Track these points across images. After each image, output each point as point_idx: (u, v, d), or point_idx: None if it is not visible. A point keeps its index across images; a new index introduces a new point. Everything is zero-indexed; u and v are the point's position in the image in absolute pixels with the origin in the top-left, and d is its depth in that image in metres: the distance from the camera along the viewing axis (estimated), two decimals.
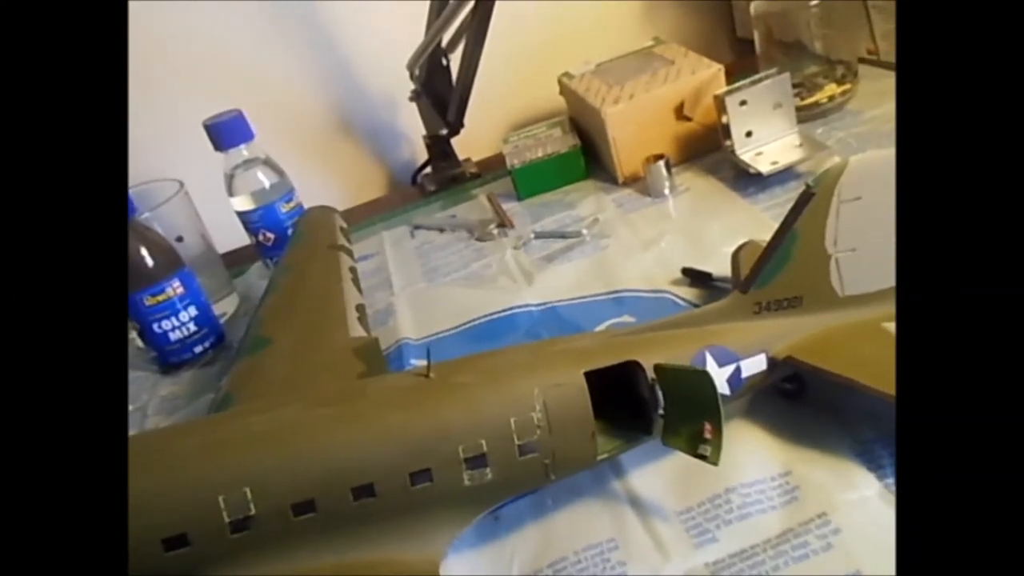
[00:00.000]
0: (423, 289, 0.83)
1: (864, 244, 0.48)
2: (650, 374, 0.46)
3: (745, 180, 0.81)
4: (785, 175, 0.79)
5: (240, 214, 0.91)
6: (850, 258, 0.48)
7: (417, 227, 0.98)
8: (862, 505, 0.43)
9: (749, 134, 0.80)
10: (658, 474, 0.50)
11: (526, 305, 0.74)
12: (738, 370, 0.48)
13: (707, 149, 0.88)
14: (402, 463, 0.42)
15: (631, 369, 0.47)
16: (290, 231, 0.89)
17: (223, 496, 0.40)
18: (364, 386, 0.51)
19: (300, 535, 0.41)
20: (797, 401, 0.51)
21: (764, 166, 0.77)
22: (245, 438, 0.43)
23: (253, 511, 0.40)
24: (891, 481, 0.44)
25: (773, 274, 0.49)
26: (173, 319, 0.75)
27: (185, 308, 0.76)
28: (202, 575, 0.40)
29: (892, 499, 0.43)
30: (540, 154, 0.95)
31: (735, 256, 0.61)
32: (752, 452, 0.49)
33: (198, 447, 0.43)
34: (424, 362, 0.46)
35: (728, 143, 0.81)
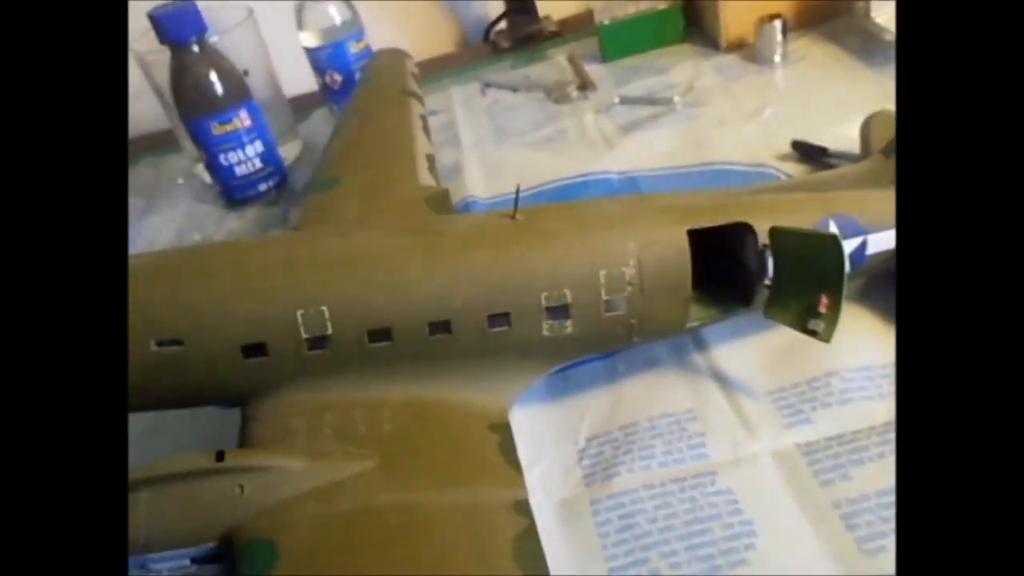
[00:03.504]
0: (493, 149, 0.78)
1: None
2: (762, 239, 0.41)
3: (873, 51, 0.71)
4: None
5: (308, 51, 0.86)
6: None
7: (488, 85, 0.92)
8: None
9: None
10: (746, 350, 0.47)
11: (605, 172, 0.68)
12: (863, 245, 0.43)
13: (831, 14, 0.77)
14: (481, 304, 0.40)
15: (737, 232, 0.42)
16: (358, 75, 0.84)
17: (302, 311, 0.38)
18: (447, 221, 0.48)
19: (373, 362, 0.40)
20: None
21: None
22: (326, 258, 0.41)
23: (330, 331, 0.38)
24: None
25: None
26: (239, 152, 0.73)
27: (251, 142, 0.73)
28: (275, 389, 0.39)
29: None
30: (633, 10, 0.85)
31: (865, 125, 0.54)
32: (862, 338, 0.44)
33: (280, 261, 0.41)
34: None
35: (862, 3, 0.70)
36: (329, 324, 0.38)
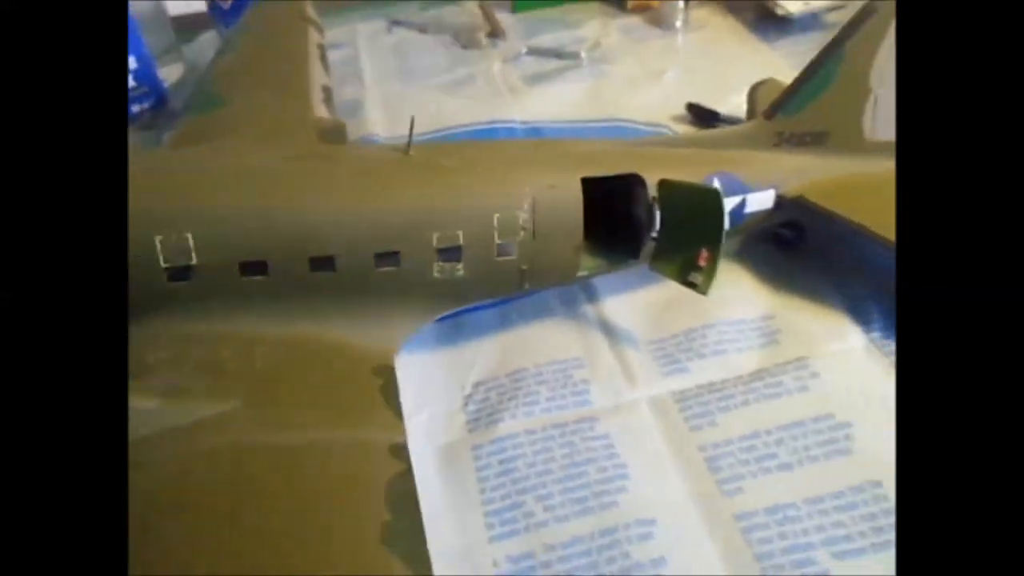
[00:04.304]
0: (397, 88, 0.74)
1: None
2: (652, 191, 0.41)
3: (767, 24, 0.72)
4: (811, 23, 0.70)
5: None
6: (891, 98, 0.42)
7: (395, 23, 0.86)
8: (845, 356, 0.40)
9: None
10: (633, 303, 0.46)
11: (510, 121, 0.66)
12: (743, 203, 0.43)
13: None
14: (368, 241, 0.37)
15: (629, 184, 0.41)
16: None
17: (160, 237, 0.33)
18: (336, 151, 0.44)
19: (247, 297, 0.36)
20: (792, 249, 0.47)
21: (795, 6, 0.68)
22: (193, 179, 0.35)
23: (195, 260, 0.34)
24: (878, 336, 0.41)
25: (806, 102, 0.43)
26: None
27: None
28: (134, 323, 0.35)
29: (877, 354, 0.40)
30: None
31: (752, 92, 0.54)
32: (737, 293, 0.45)
33: (137, 178, 0.35)
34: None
35: None
36: (194, 253, 0.34)
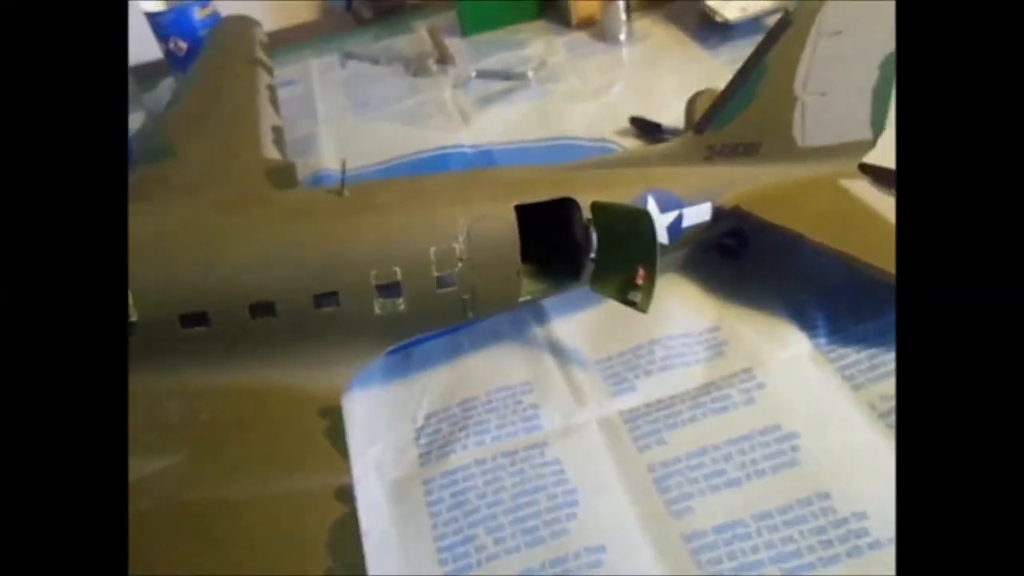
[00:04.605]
0: (351, 121, 0.73)
1: (835, 88, 0.41)
2: (586, 213, 0.40)
3: (708, 30, 0.72)
4: (751, 27, 0.70)
5: (150, 16, 0.76)
6: (818, 103, 0.42)
7: (348, 56, 0.86)
8: (791, 363, 0.40)
9: None
10: (582, 323, 0.46)
11: (459, 146, 0.66)
12: (680, 218, 0.43)
13: None
14: (306, 283, 0.36)
15: (566, 209, 0.41)
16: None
17: None
18: (269, 197, 0.43)
19: (190, 349, 0.35)
20: (736, 258, 0.46)
21: (732, 12, 0.68)
22: (130, 237, 0.35)
23: (135, 317, 0.34)
24: (822, 341, 0.40)
25: (733, 114, 0.42)
26: None
27: None
28: None
29: (821, 359, 0.39)
30: None
31: (690, 103, 0.54)
32: (683, 306, 0.44)
33: None
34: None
35: None
36: (134, 310, 0.34)
